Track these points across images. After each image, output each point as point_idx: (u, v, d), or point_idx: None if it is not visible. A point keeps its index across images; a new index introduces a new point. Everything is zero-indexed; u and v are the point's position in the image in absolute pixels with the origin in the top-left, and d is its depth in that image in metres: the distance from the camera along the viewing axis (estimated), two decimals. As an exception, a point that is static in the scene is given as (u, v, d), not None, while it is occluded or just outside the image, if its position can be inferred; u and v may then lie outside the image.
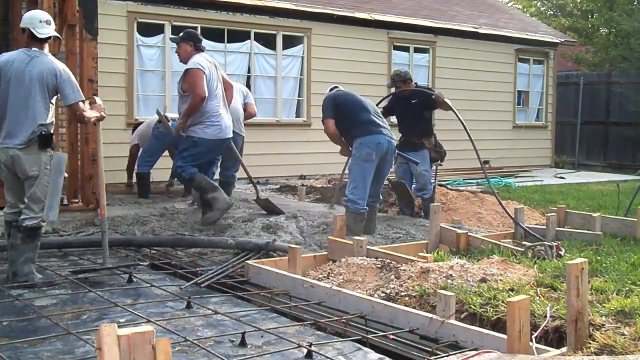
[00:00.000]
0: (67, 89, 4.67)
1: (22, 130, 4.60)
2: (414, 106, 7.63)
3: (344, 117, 6.57)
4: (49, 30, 4.77)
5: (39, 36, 4.72)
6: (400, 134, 7.81)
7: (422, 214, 7.62)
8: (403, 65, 13.46)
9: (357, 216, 6.30)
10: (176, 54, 6.73)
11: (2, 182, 4.91)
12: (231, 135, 6.59)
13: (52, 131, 4.72)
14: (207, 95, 6.23)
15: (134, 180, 8.91)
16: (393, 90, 7.86)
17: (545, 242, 5.24)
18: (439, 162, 7.94)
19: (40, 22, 4.74)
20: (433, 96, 7.54)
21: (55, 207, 4.64)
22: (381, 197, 6.80)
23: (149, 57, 10.09)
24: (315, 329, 3.81)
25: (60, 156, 4.72)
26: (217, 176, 7.70)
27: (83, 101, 4.80)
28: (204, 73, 6.25)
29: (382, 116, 6.72)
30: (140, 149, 8.74)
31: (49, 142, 4.65)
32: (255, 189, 7.59)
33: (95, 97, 5.09)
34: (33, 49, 4.72)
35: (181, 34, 6.66)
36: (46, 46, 4.82)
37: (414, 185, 7.89)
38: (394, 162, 6.92)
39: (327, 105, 6.65)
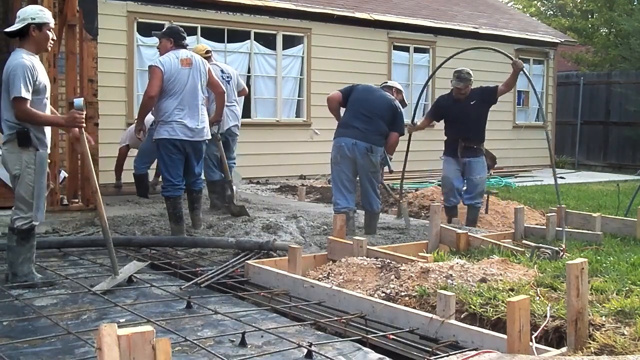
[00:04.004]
0: (10, 85, 4.47)
1: (4, 128, 4.59)
2: (473, 108, 7.20)
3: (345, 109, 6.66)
4: (15, 25, 4.64)
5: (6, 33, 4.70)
6: (454, 140, 7.25)
7: (464, 223, 7.20)
8: (403, 65, 13.50)
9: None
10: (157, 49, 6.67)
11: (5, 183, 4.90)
12: (194, 137, 6.21)
13: (35, 129, 4.57)
14: (155, 94, 6.07)
15: (123, 180, 8.93)
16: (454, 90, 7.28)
17: (552, 247, 5.15)
18: (492, 169, 7.55)
19: (16, 18, 4.69)
20: (517, 64, 6.89)
21: (41, 207, 4.59)
22: (379, 199, 6.74)
23: (149, 57, 10.07)
24: (315, 329, 3.81)
25: (41, 154, 4.60)
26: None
27: (22, 99, 4.44)
28: (162, 71, 6.08)
29: (370, 117, 6.40)
30: (130, 150, 8.74)
31: (27, 140, 4.52)
32: (232, 195, 7.32)
33: (74, 99, 4.74)
34: (16, 47, 4.71)
35: (163, 30, 6.60)
36: (26, 42, 4.62)
37: (464, 189, 7.38)
38: (376, 163, 6.48)
39: (348, 86, 6.77)
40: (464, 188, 7.37)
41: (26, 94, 4.47)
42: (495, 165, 7.73)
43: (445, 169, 7.36)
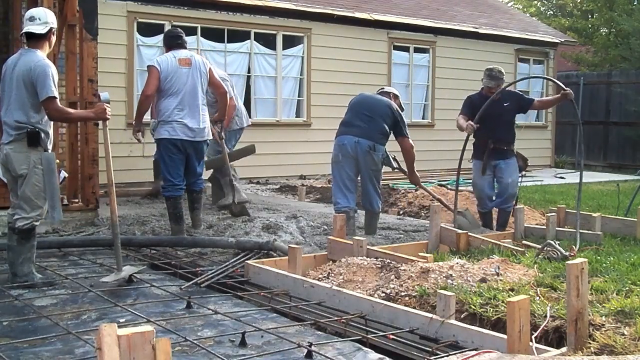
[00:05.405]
0: (39, 86, 4.53)
1: (8, 128, 4.61)
2: (506, 110, 6.87)
3: None
4: (27, 27, 4.64)
5: (21, 34, 4.72)
6: (484, 140, 6.83)
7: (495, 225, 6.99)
8: (403, 65, 13.50)
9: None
10: None
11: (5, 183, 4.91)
12: (195, 137, 6.21)
13: (45, 129, 4.63)
14: (150, 93, 6.12)
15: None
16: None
17: (561, 250, 5.08)
18: (524, 171, 7.13)
19: (25, 20, 4.70)
20: (568, 95, 6.64)
21: (57, 207, 4.61)
22: (380, 198, 6.73)
23: (149, 57, 10.07)
24: (315, 329, 3.81)
25: (48, 156, 4.62)
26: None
27: (55, 98, 4.57)
28: (158, 70, 6.12)
29: (371, 117, 6.42)
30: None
31: (36, 140, 4.55)
32: (233, 193, 7.26)
33: (101, 94, 4.95)
34: (26, 47, 4.72)
35: None
36: (42, 44, 4.67)
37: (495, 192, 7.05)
38: (378, 162, 6.44)
39: None
40: (495, 191, 7.04)
41: (57, 93, 4.60)
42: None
43: (477, 176, 7.03)
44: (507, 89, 7.07)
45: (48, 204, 4.60)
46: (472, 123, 6.70)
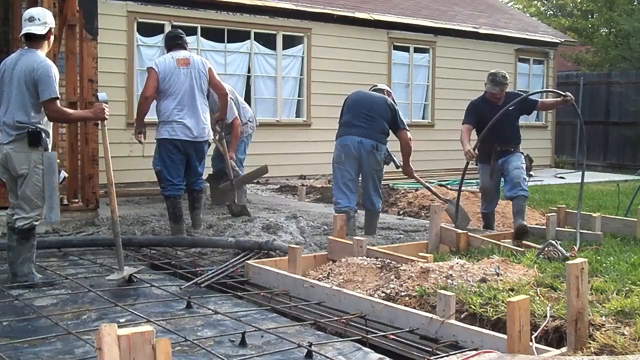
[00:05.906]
0: (41, 86, 4.54)
1: (7, 128, 4.61)
2: (510, 112, 6.67)
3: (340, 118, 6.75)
4: (27, 27, 4.64)
5: (21, 35, 4.74)
6: (490, 144, 6.75)
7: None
8: (403, 65, 13.49)
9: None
10: None
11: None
12: (195, 137, 6.21)
13: (45, 129, 4.65)
14: (149, 94, 6.16)
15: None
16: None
17: (562, 250, 5.07)
18: (530, 171, 7.03)
19: (24, 20, 4.70)
20: (568, 101, 6.68)
21: (55, 207, 4.60)
22: (381, 198, 6.74)
23: (149, 57, 10.08)
24: (315, 329, 3.81)
25: (50, 155, 4.62)
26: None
27: (57, 99, 4.59)
28: (156, 72, 6.16)
29: (371, 117, 6.43)
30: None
31: (37, 140, 4.56)
32: (234, 194, 7.27)
33: (98, 94, 4.98)
34: (26, 48, 4.72)
35: None
36: (42, 44, 4.70)
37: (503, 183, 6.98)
38: (380, 161, 6.47)
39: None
40: (503, 184, 6.96)
41: (58, 94, 4.62)
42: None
43: (484, 179, 6.99)
44: (509, 91, 7.02)
45: (46, 204, 4.59)
46: (472, 150, 6.63)
